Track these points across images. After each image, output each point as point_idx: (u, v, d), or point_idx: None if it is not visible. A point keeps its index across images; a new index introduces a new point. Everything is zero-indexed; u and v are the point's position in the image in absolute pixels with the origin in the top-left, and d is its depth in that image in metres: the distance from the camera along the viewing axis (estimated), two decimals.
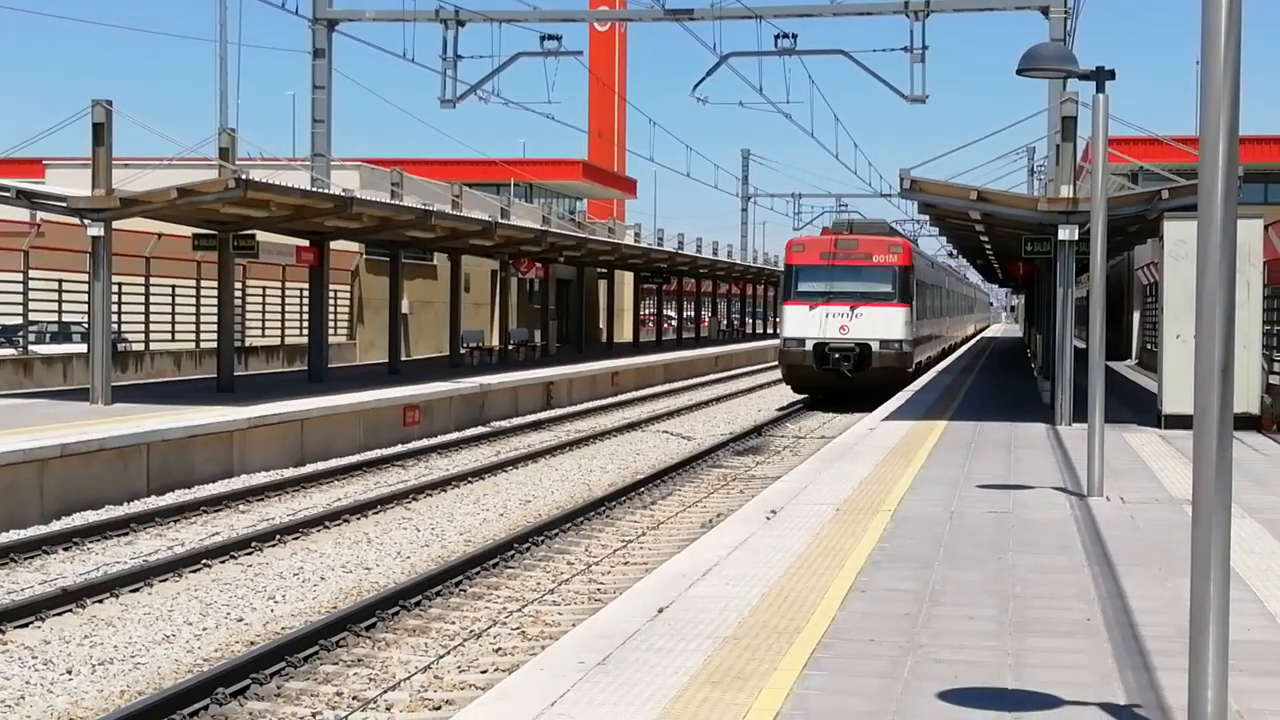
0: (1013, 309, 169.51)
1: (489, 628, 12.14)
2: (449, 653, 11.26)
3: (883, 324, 36.65)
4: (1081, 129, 23.26)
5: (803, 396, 39.12)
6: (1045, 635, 8.40)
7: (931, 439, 20.35)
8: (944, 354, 53.95)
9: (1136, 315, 47.65)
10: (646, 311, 76.58)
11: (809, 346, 36.73)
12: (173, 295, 34.56)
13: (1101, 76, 14.19)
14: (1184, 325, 20.58)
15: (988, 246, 40.04)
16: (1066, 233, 21.80)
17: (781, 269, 40.97)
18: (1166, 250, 21.46)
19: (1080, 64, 14.21)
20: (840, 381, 36.77)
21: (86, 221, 23.92)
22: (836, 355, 36.44)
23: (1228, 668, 5.40)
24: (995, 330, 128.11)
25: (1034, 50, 14.06)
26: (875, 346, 36.52)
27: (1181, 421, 20.73)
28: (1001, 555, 11.04)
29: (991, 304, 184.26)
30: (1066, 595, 9.58)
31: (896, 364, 36.80)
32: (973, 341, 77.43)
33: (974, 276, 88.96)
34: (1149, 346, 39.17)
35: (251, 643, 11.59)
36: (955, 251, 68.66)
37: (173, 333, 34.88)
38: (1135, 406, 26.18)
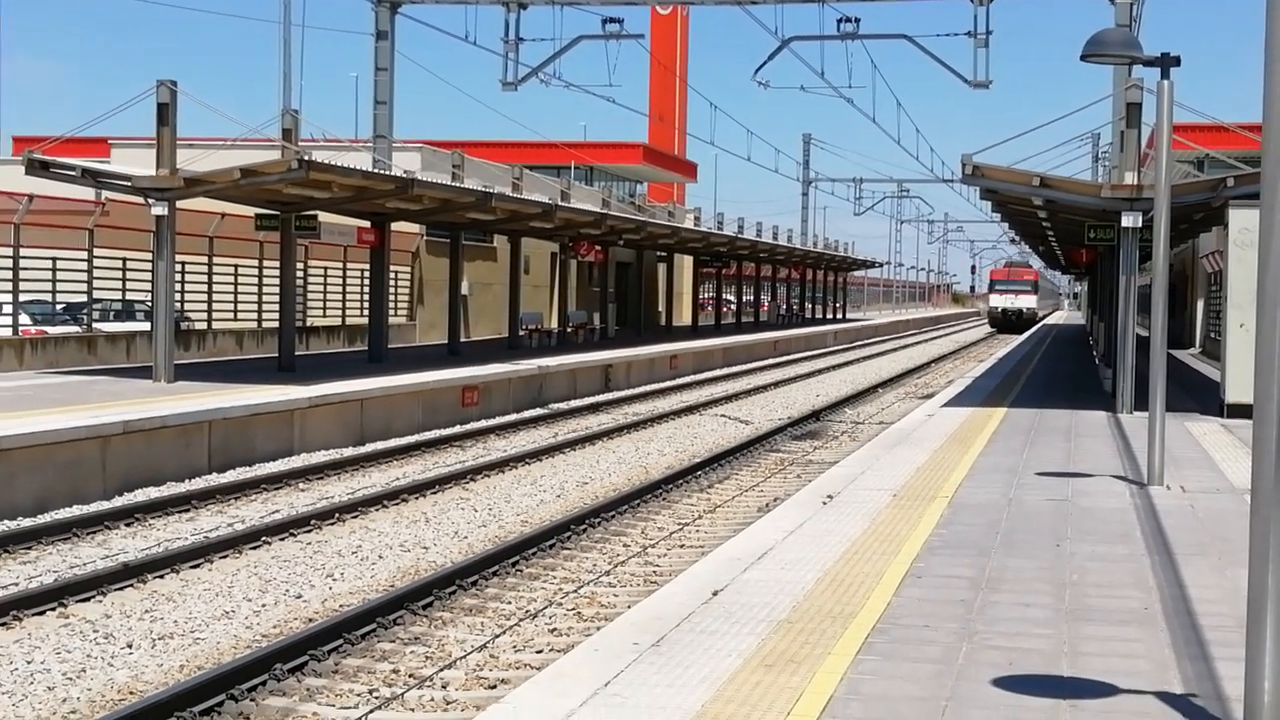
0: (1075, 296, 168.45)
1: (545, 608, 12.19)
2: (505, 632, 11.32)
3: (1027, 302, 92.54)
4: (1146, 115, 23.01)
5: (994, 330, 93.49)
6: (1102, 624, 8.36)
7: (991, 425, 20.25)
8: (1045, 315, 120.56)
9: (1200, 304, 47.19)
10: (705, 295, 76.48)
11: (1000, 310, 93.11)
12: (235, 275, 34.86)
13: (1167, 63, 14.06)
14: (1248, 314, 20.36)
15: (1050, 233, 39.84)
16: (1130, 220, 21.62)
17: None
18: (1231, 238, 21.25)
19: (1145, 50, 14.09)
20: (1010, 323, 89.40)
21: (151, 201, 24.14)
22: (1010, 313, 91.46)
23: None
24: (1058, 317, 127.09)
25: (1099, 36, 13.92)
26: (1024, 310, 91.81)
27: (1244, 411, 20.51)
28: (1059, 543, 10.98)
29: (1059, 293, 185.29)
30: (1124, 584, 9.52)
31: (1031, 318, 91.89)
32: (1036, 327, 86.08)
33: (1044, 271, 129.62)
34: (1213, 335, 38.89)
35: (310, 620, 11.69)
36: (1017, 238, 68.40)
37: (235, 312, 35.17)
38: (1198, 395, 25.95)
